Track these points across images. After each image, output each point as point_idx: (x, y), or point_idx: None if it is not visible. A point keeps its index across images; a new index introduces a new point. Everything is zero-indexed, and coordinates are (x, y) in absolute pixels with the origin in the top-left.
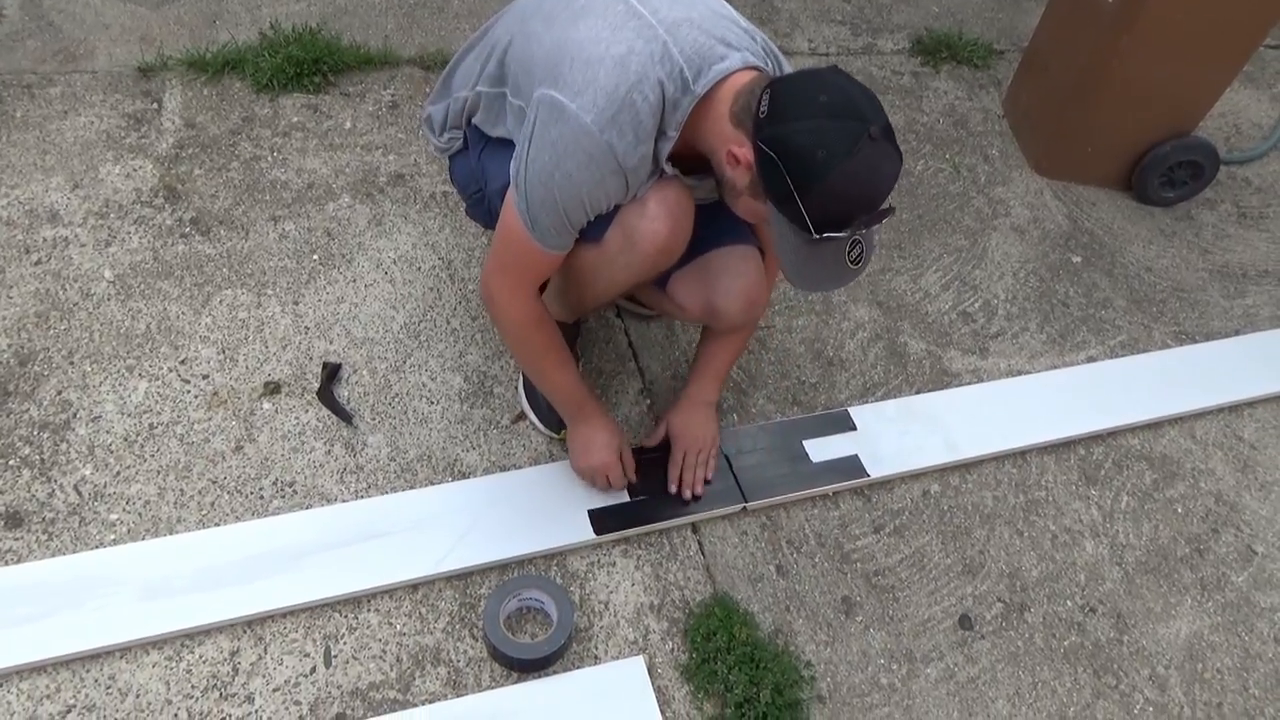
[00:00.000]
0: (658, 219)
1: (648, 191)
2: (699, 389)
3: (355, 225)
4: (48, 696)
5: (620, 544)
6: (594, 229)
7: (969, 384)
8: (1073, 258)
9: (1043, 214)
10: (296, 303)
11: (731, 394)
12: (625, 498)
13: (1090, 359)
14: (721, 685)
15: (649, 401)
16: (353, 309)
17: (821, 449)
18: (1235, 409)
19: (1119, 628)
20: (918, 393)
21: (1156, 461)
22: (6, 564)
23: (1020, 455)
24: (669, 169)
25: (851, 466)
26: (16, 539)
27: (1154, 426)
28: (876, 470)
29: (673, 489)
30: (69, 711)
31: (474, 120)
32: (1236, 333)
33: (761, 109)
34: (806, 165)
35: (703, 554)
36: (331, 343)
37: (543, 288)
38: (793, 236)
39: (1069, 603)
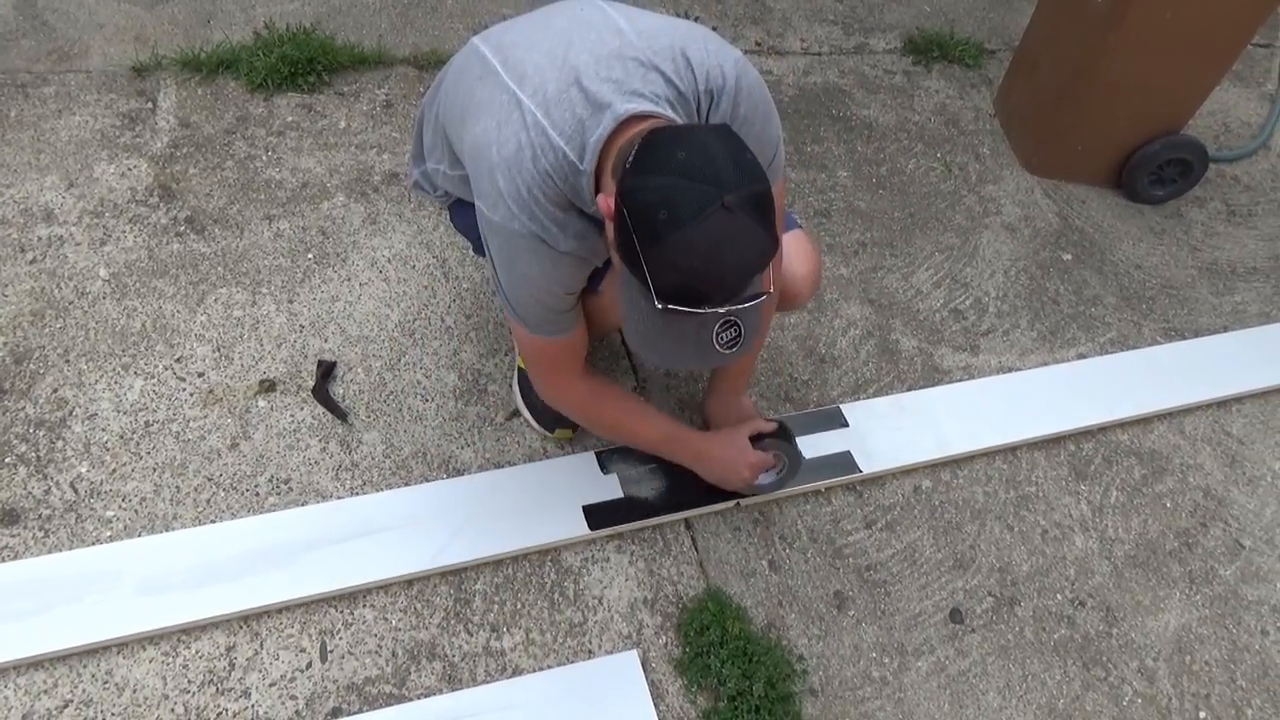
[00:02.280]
0: None
1: None
2: (733, 380)
3: (350, 224)
4: (45, 691)
5: (614, 539)
6: (591, 282)
7: (960, 381)
8: (1063, 255)
9: (1033, 212)
10: (291, 301)
11: None
12: (653, 489)
13: (1080, 355)
14: (715, 679)
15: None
16: (347, 307)
17: (814, 445)
18: (1223, 404)
19: (1108, 621)
20: (909, 389)
21: (1145, 457)
22: (3, 560)
23: (1011, 451)
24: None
25: (844, 462)
26: (13, 536)
27: (1143, 422)
28: (868, 466)
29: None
30: (66, 706)
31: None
32: (1225, 329)
33: (629, 160)
34: (648, 224)
35: (696, 549)
36: (326, 341)
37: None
38: (641, 301)
39: (1059, 596)
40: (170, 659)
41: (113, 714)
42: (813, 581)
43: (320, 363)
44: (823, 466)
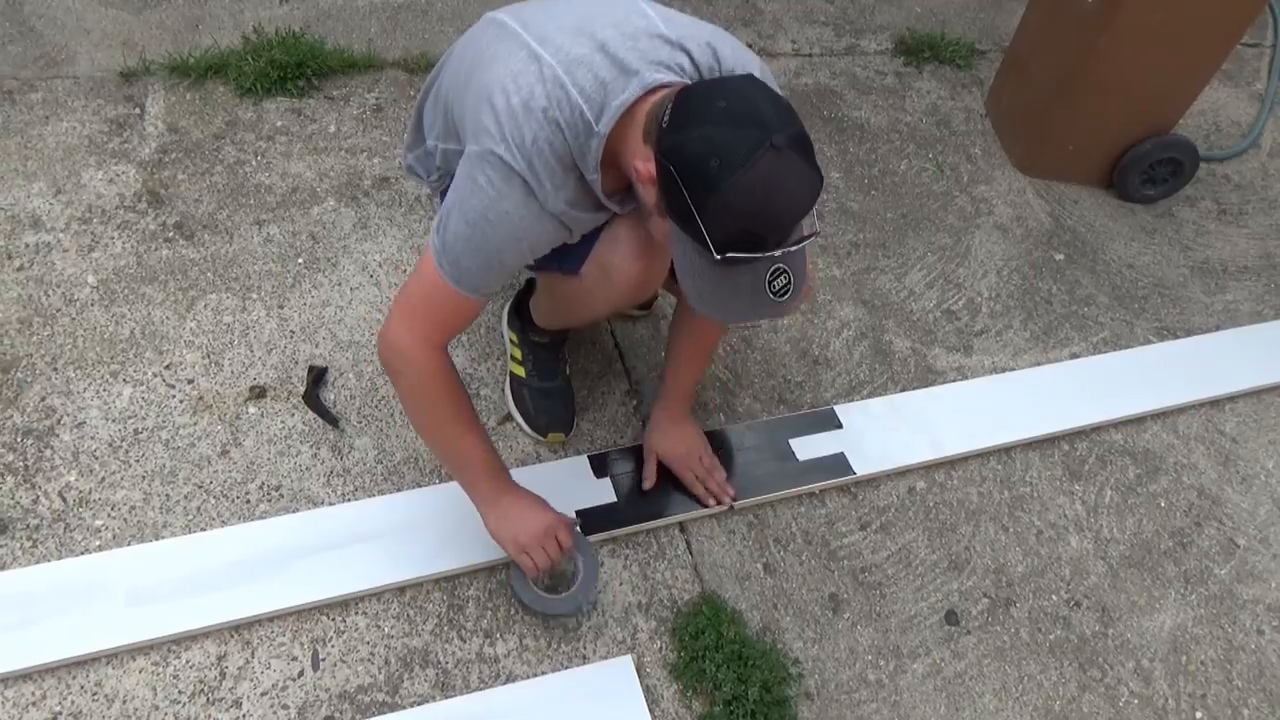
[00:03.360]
0: (631, 257)
1: (621, 229)
2: (677, 407)
3: (340, 229)
4: (34, 704)
5: (608, 543)
6: (569, 261)
7: (954, 381)
8: (1055, 255)
9: (1025, 212)
10: (281, 306)
11: (718, 393)
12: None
13: (1073, 355)
14: (710, 683)
15: (635, 401)
16: (338, 312)
17: (808, 447)
18: (1216, 403)
19: (1104, 621)
20: (903, 391)
21: (1139, 456)
22: None
23: (1005, 452)
24: (616, 208)
25: (838, 464)
26: (1, 546)
27: (1136, 421)
28: (863, 468)
29: (710, 503)
30: (55, 718)
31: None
32: (1217, 328)
33: (665, 118)
34: (700, 175)
35: (690, 553)
36: (317, 346)
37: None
38: (696, 258)
39: (1054, 597)
40: (160, 669)
41: None
42: (807, 584)
43: (311, 368)
44: (817, 469)
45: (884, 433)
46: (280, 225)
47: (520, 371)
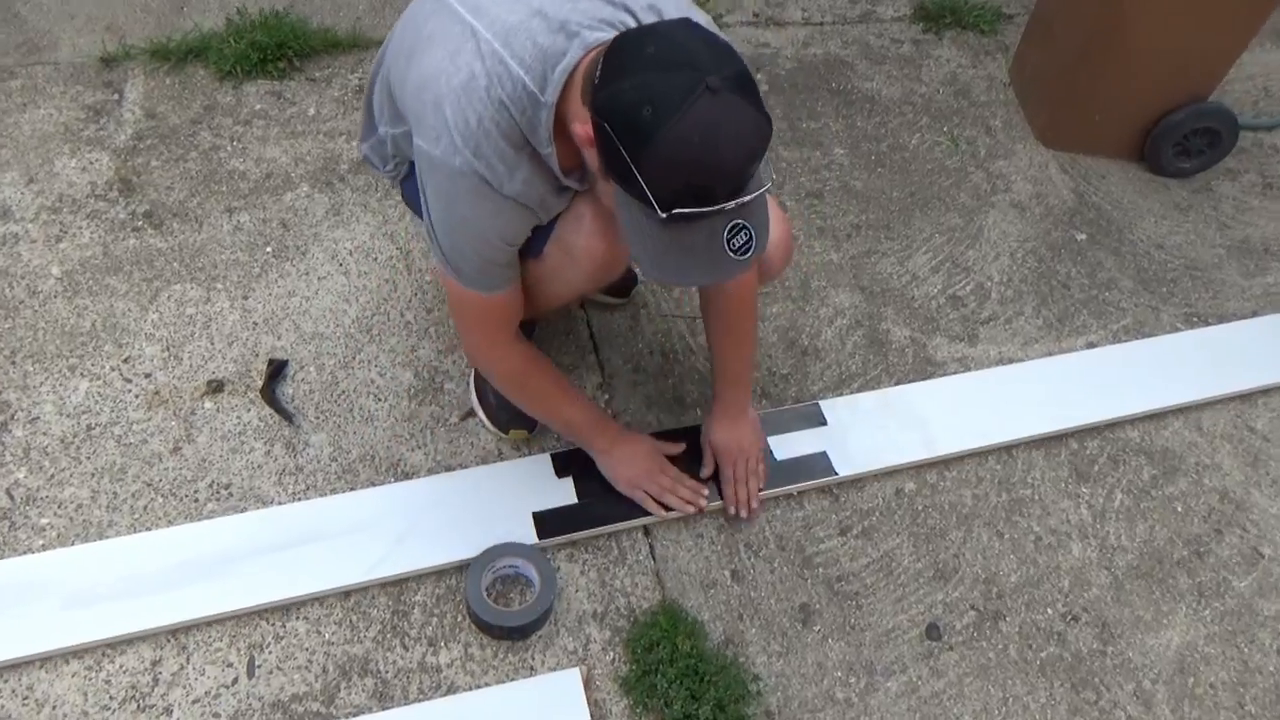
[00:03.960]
0: (594, 235)
1: (583, 206)
2: (732, 397)
3: (312, 215)
4: None
5: (567, 548)
6: (533, 244)
7: (954, 374)
8: (1077, 235)
9: (1046, 189)
10: (246, 297)
11: (696, 385)
12: (611, 493)
13: (1090, 345)
14: (661, 700)
15: (607, 396)
16: (304, 303)
17: (788, 445)
18: (1248, 398)
19: (1103, 638)
20: (897, 384)
21: (1157, 456)
22: None
23: (1006, 450)
24: (575, 184)
25: (819, 464)
26: None
27: (1156, 418)
28: (846, 468)
29: (731, 510)
30: None
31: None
32: (1254, 313)
33: (596, 74)
34: (633, 128)
35: (653, 559)
36: (280, 339)
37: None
38: (643, 219)
39: (1049, 610)
40: (93, 674)
41: None
42: (777, 593)
43: (271, 361)
44: (796, 469)
45: (872, 430)
46: (251, 213)
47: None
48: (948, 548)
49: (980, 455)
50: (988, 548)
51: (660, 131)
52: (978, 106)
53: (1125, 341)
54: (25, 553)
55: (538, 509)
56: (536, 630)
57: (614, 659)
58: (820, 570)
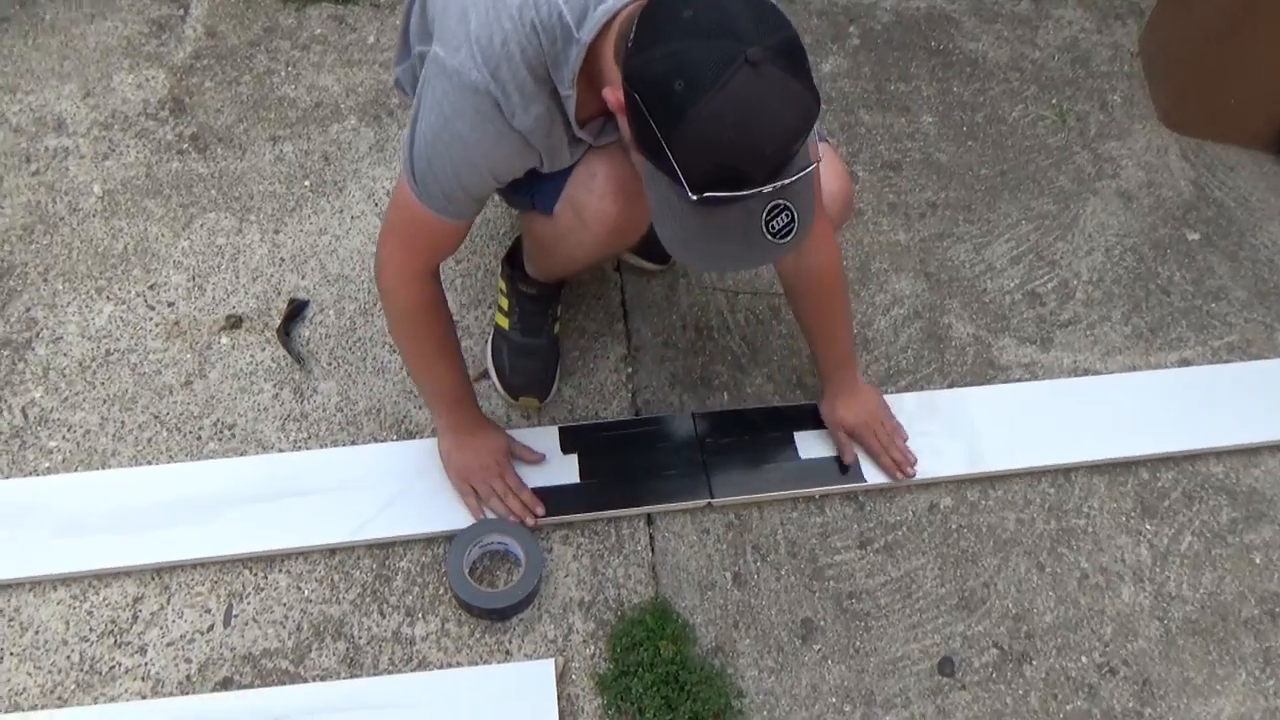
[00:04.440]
0: (605, 197)
1: (597, 164)
2: (843, 377)
3: (355, 150)
4: None
5: (563, 529)
6: (545, 198)
7: (1017, 381)
8: (1189, 234)
9: (1161, 177)
10: (277, 231)
11: (727, 367)
12: (616, 476)
13: (1184, 361)
14: (634, 705)
15: (630, 370)
16: (333, 242)
17: (815, 444)
18: None
19: (1141, 698)
20: (951, 386)
21: (1241, 497)
22: None
23: (1064, 473)
24: (589, 137)
25: (847, 468)
26: None
27: (1248, 453)
28: (877, 475)
29: (896, 476)
30: None
31: None
32: None
33: (630, 36)
34: (665, 102)
35: (652, 550)
36: (304, 278)
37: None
38: (674, 198)
39: (1084, 659)
40: (78, 604)
41: (12, 652)
42: (780, 603)
43: (291, 301)
44: (820, 470)
45: (913, 435)
46: (295, 143)
47: (504, 323)
48: (978, 575)
49: (1032, 476)
50: (1024, 580)
51: (693, 108)
52: (1096, 78)
53: (1227, 362)
54: (30, 474)
55: (537, 484)
56: (517, 613)
57: (594, 654)
58: (831, 583)
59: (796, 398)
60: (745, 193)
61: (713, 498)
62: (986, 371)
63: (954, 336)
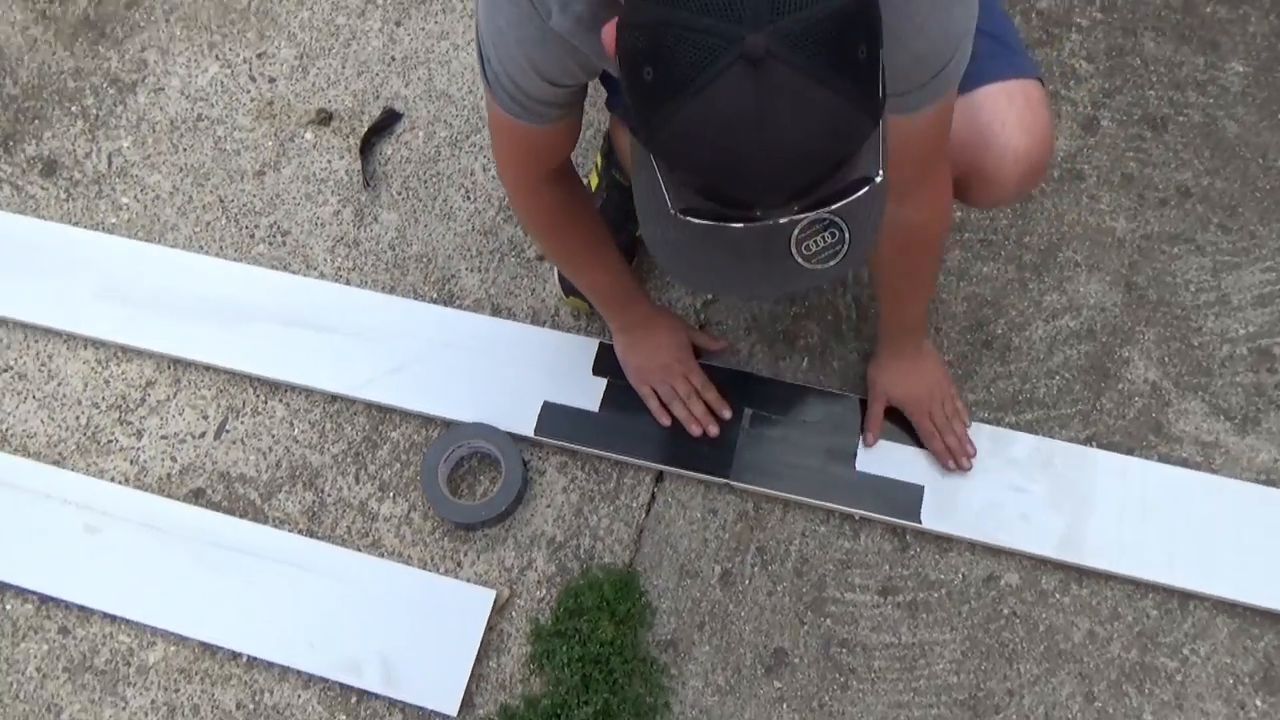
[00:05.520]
0: None
1: None
2: (906, 341)
3: None
4: None
5: (561, 453)
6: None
7: (1184, 462)
8: None
9: None
10: (399, 23)
11: (819, 328)
12: (638, 420)
13: None
14: (554, 672)
15: (707, 298)
16: (450, 51)
17: (878, 458)
18: None
19: None
20: (1089, 441)
21: None
22: (25, 209)
23: (1181, 598)
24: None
25: (905, 500)
26: (42, 187)
27: None
28: (938, 520)
29: (949, 464)
30: (5, 371)
31: None
32: None
33: None
34: (636, 86)
35: (647, 512)
36: (408, 85)
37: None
38: (660, 197)
39: None
40: (99, 369)
41: (35, 397)
42: (760, 621)
43: (385, 109)
44: (872, 491)
45: (1005, 488)
46: None
47: None
48: (1007, 678)
49: (1138, 588)
50: (1061, 706)
51: (661, 111)
52: None
53: None
54: (96, 226)
55: (552, 399)
56: (482, 529)
57: (543, 598)
58: (827, 622)
59: None
60: (738, 226)
61: (732, 478)
62: (1147, 437)
63: (1126, 377)
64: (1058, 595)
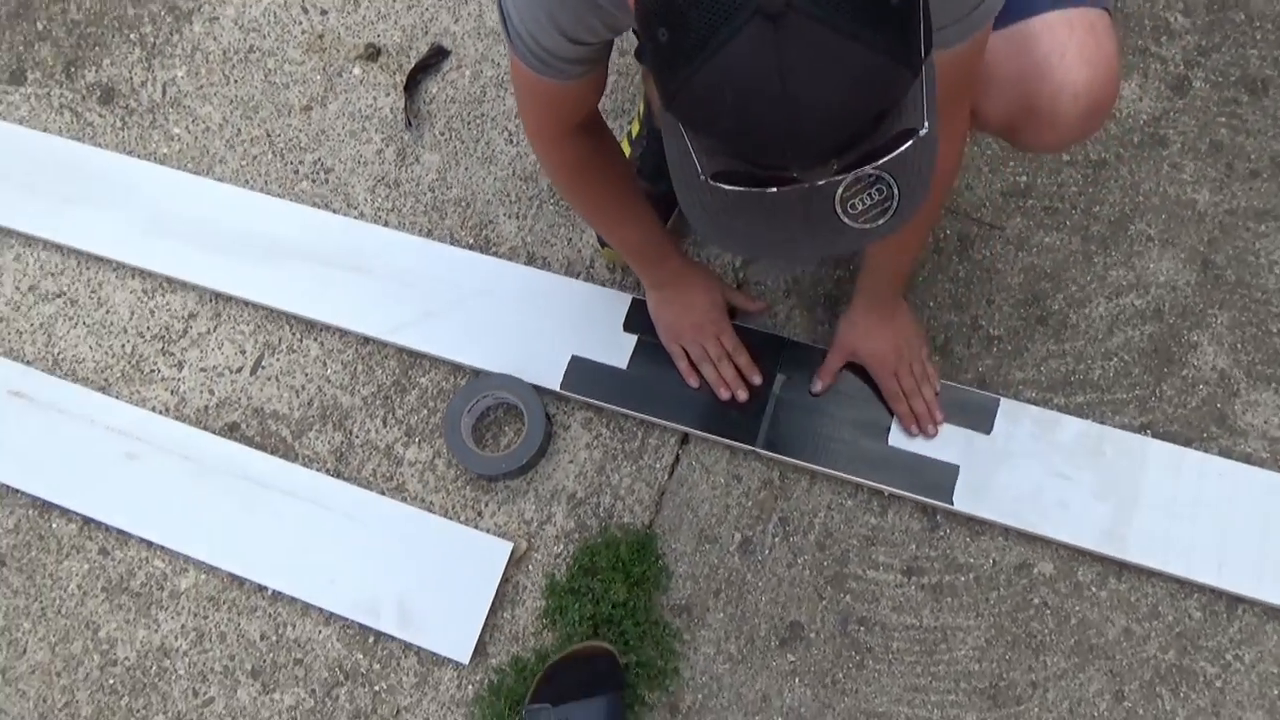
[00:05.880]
0: None
1: None
2: (883, 293)
3: None
4: (51, 274)
5: (587, 409)
6: None
7: (1246, 457)
8: None
9: None
10: None
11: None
12: (667, 380)
13: None
14: (565, 627)
15: (742, 277)
16: None
17: (920, 440)
18: None
19: None
20: (1144, 429)
21: None
22: (82, 136)
23: (1230, 601)
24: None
25: (938, 478)
26: (100, 115)
27: None
28: (972, 502)
29: (911, 429)
30: (59, 296)
31: None
32: None
33: None
34: (654, 45)
35: (670, 474)
36: (458, 21)
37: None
38: (691, 160)
39: None
40: (145, 300)
41: (85, 322)
42: (778, 593)
43: (433, 46)
44: (906, 466)
45: (1048, 473)
46: None
47: (626, 150)
48: (1032, 670)
49: (1183, 587)
50: (1088, 703)
51: (679, 74)
52: None
53: None
54: (149, 156)
55: (580, 354)
56: (503, 481)
57: (560, 554)
58: (846, 598)
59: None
60: (773, 190)
61: (759, 446)
62: (1208, 428)
63: (1192, 363)
64: (1094, 589)
